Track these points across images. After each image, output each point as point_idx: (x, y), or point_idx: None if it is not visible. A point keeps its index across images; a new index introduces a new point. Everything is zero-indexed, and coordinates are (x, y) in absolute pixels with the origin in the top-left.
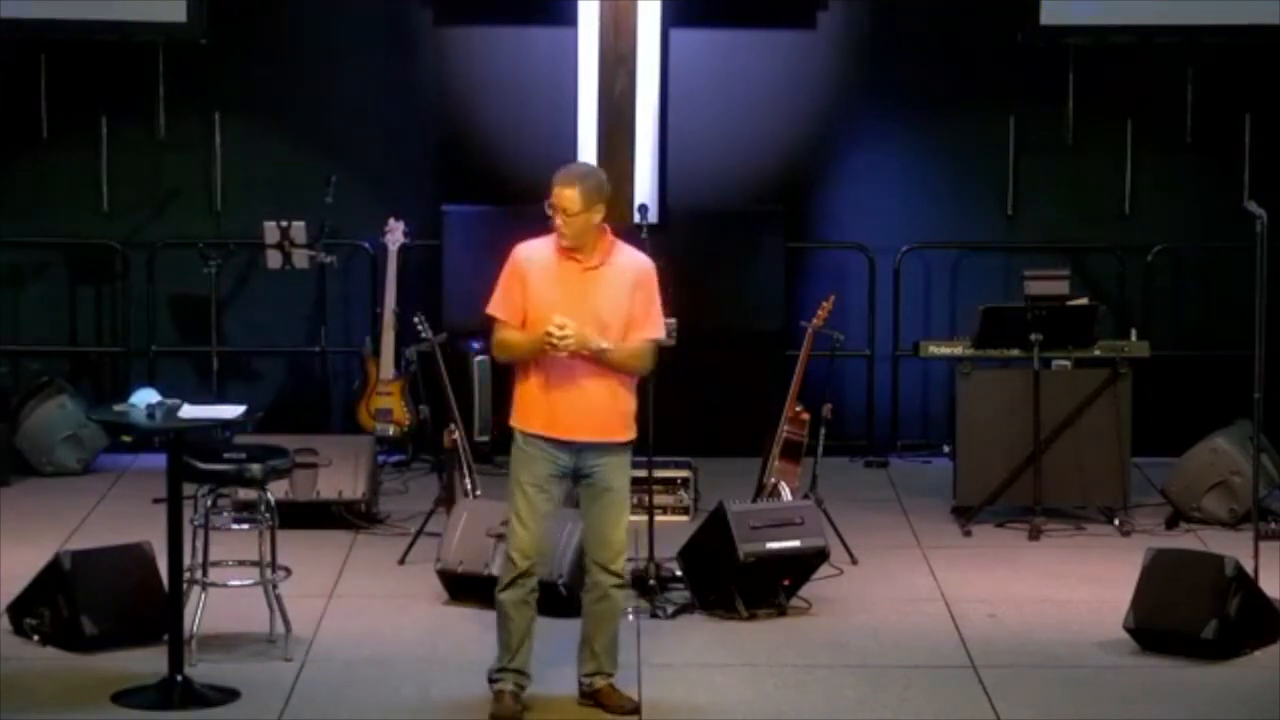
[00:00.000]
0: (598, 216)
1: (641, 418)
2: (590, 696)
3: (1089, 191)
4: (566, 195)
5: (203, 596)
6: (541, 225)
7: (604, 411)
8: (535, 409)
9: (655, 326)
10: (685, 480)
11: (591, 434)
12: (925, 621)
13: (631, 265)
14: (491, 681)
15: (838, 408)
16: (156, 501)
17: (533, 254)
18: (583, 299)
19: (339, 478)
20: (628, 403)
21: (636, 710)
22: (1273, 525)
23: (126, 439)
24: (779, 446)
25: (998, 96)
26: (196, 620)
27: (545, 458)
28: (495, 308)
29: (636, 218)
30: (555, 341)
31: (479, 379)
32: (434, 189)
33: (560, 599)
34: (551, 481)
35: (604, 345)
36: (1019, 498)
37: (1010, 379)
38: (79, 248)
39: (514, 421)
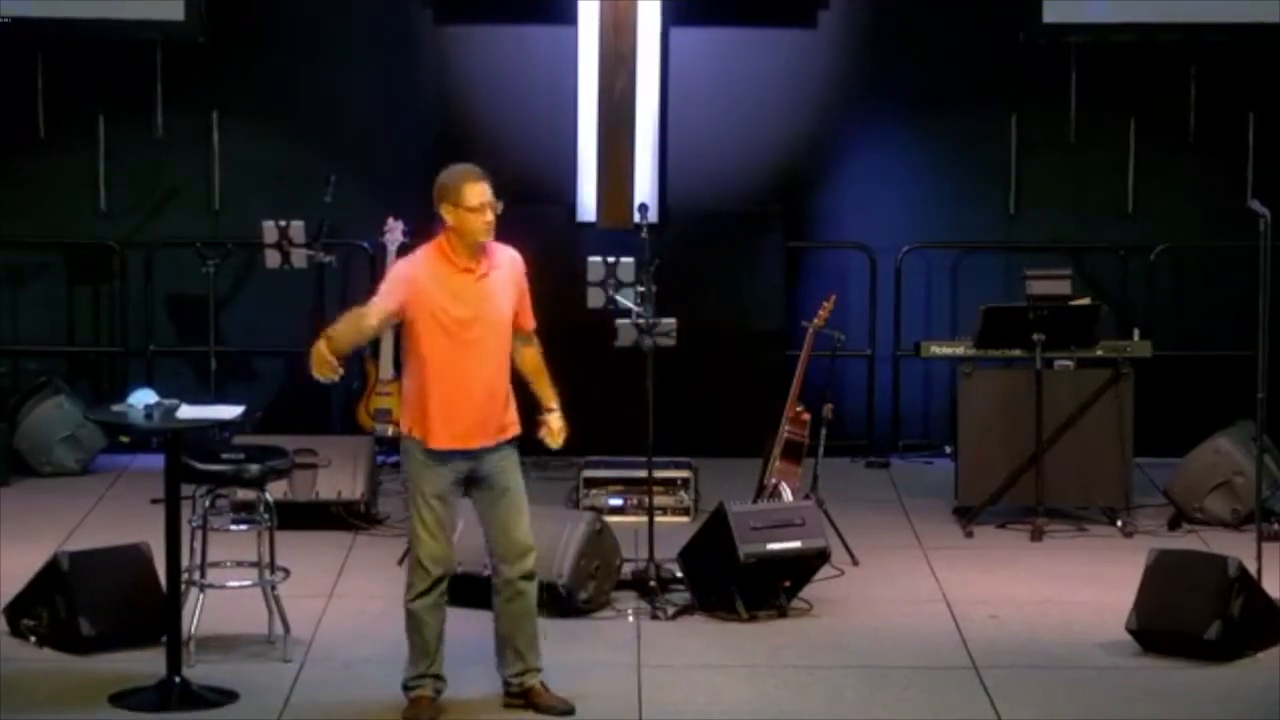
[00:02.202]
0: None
1: (640, 419)
2: (520, 696)
3: (1091, 190)
4: (485, 189)
5: (201, 597)
6: (541, 223)
7: (495, 412)
8: (434, 422)
9: (531, 316)
10: (685, 481)
11: (489, 437)
12: (926, 622)
13: (509, 263)
14: (407, 689)
15: (838, 408)
16: (155, 502)
17: (424, 268)
18: (485, 307)
19: (338, 478)
20: (511, 398)
21: (571, 711)
22: (1275, 526)
23: (124, 439)
24: (780, 447)
25: (1000, 95)
26: (195, 621)
27: (447, 468)
28: (380, 303)
29: (636, 217)
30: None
31: None
32: (432, 189)
33: (560, 599)
34: (453, 490)
35: (560, 416)
36: (1021, 498)
37: (1012, 379)
38: (77, 247)
39: (414, 433)
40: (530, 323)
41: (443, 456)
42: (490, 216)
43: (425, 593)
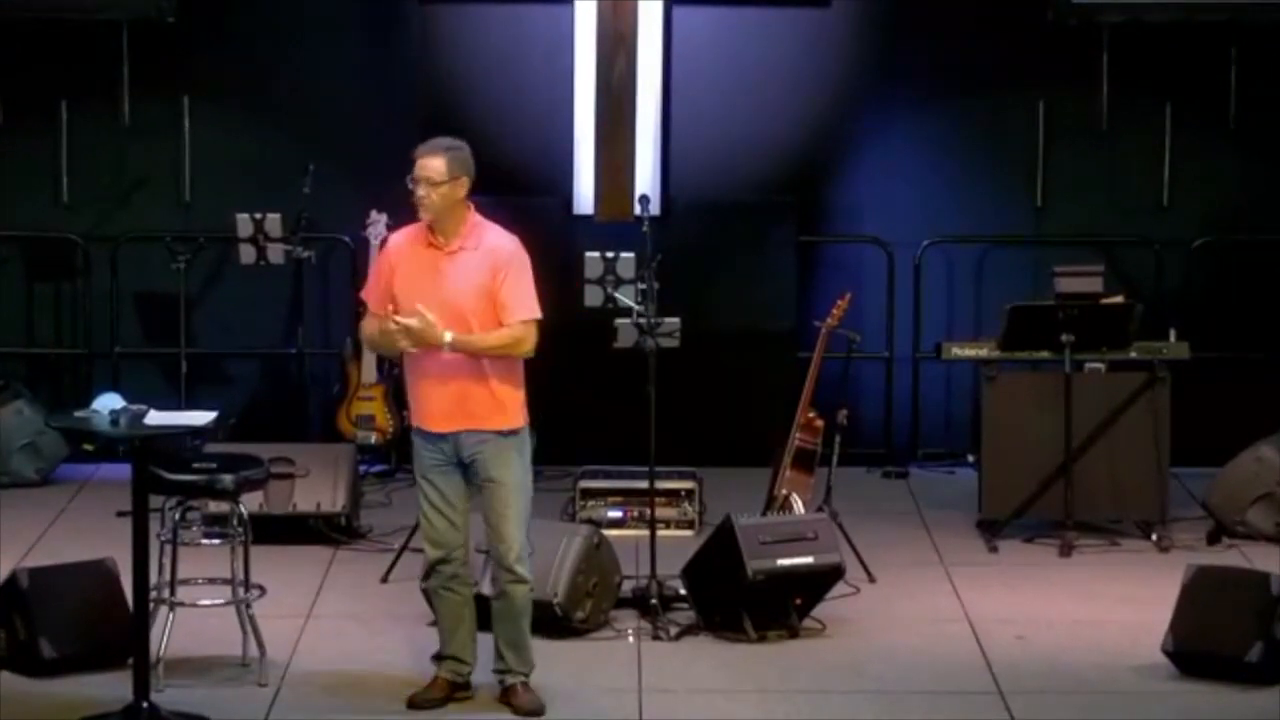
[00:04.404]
0: (461, 191)
1: (641, 425)
2: (502, 694)
3: (1124, 181)
4: (430, 164)
5: (170, 617)
6: (536, 216)
7: (474, 400)
8: (415, 402)
9: (526, 307)
10: (689, 492)
11: (462, 424)
12: (948, 644)
13: (493, 247)
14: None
15: (854, 414)
16: (121, 515)
17: (401, 240)
18: (436, 286)
19: (317, 489)
20: (503, 389)
21: (541, 712)
22: None
23: (88, 448)
24: (790, 456)
25: (1027, 79)
26: (164, 642)
27: (428, 450)
28: (365, 293)
29: (637, 209)
30: (396, 329)
31: None
32: None
33: (555, 619)
34: (436, 473)
35: (448, 338)
36: (1049, 511)
37: (1040, 383)
38: (37, 242)
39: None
40: (507, 315)
41: (425, 436)
42: (421, 192)
43: (427, 575)
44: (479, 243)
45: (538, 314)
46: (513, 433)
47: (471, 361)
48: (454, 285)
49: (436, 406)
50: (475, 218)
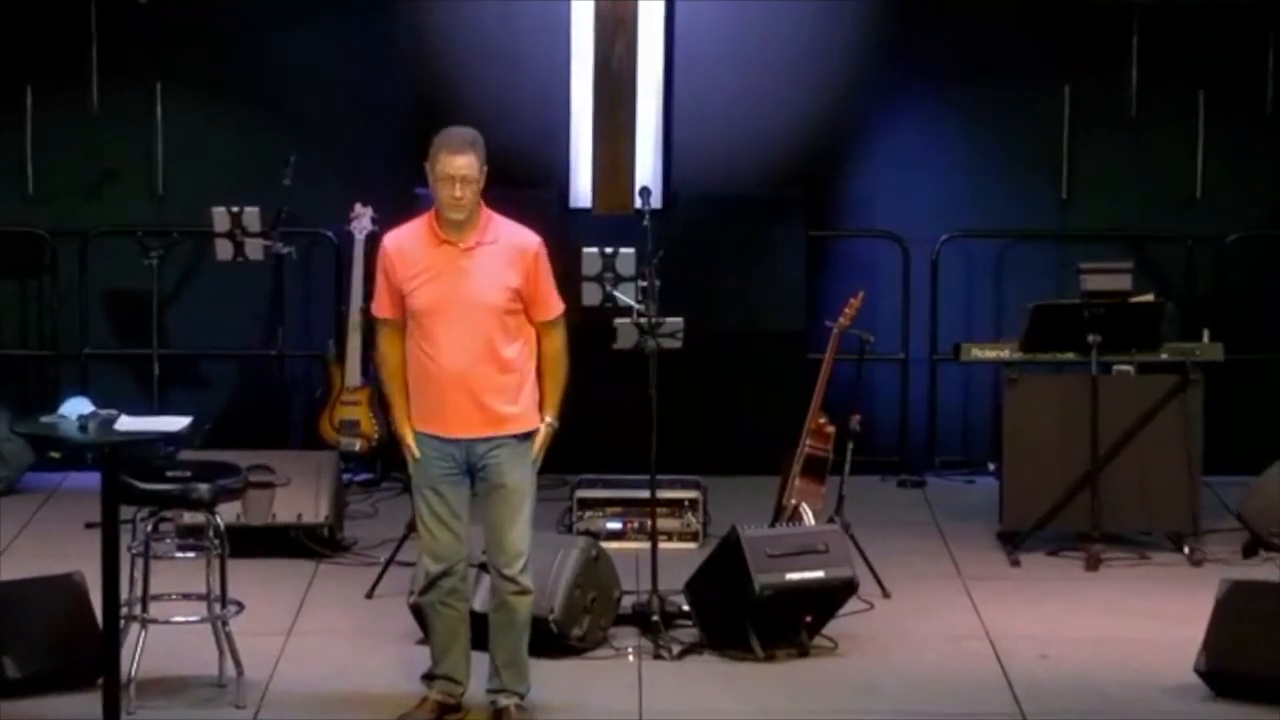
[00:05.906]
0: (482, 184)
1: (642, 431)
2: (494, 716)
3: (1155, 172)
4: (465, 162)
5: (142, 634)
6: (530, 209)
7: (496, 405)
8: (424, 407)
9: (554, 305)
10: (693, 502)
11: (482, 430)
12: (967, 662)
13: (515, 244)
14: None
15: (867, 419)
16: (90, 526)
17: (403, 241)
18: (461, 286)
19: (298, 499)
20: (524, 391)
21: None
22: None
23: (55, 455)
24: (800, 464)
25: (1051, 65)
26: (135, 662)
27: (436, 458)
28: (376, 307)
29: (638, 203)
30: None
31: None
32: (406, 170)
33: (551, 636)
34: (443, 482)
35: (549, 425)
36: (1074, 522)
37: (1064, 386)
38: (1, 237)
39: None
40: (543, 312)
41: (429, 443)
42: (459, 192)
43: (425, 590)
44: (496, 236)
45: (562, 306)
46: (528, 435)
47: (496, 364)
48: (479, 284)
49: (455, 412)
50: (485, 210)
